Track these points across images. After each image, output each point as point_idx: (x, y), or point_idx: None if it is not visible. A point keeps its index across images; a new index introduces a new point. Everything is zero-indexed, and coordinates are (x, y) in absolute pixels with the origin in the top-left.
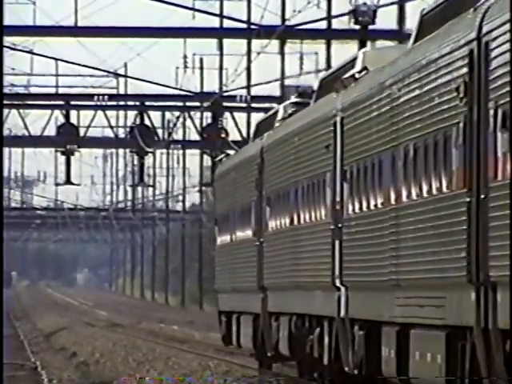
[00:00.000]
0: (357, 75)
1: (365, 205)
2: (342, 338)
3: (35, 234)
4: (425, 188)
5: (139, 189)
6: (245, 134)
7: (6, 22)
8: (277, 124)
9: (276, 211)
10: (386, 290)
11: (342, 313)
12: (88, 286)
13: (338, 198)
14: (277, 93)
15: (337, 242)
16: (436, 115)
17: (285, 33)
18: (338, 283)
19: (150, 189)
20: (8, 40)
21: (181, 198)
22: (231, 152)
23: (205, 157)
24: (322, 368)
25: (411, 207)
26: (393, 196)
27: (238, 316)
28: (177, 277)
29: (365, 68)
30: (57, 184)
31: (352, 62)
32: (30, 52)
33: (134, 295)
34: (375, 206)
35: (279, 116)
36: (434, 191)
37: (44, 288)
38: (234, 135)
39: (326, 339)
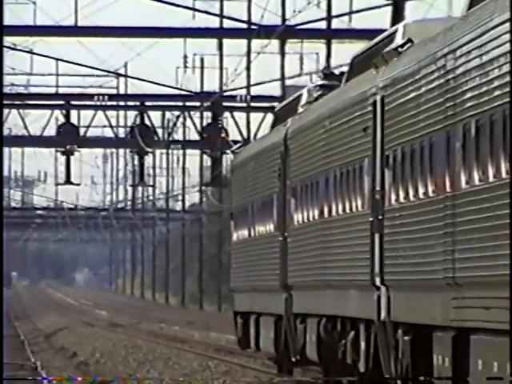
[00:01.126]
0: (399, 49)
1: (411, 193)
2: (382, 343)
3: (35, 233)
4: (490, 172)
5: (139, 189)
6: (245, 134)
7: (6, 21)
8: (301, 109)
9: (303, 203)
10: (439, 289)
11: (383, 315)
12: (88, 285)
13: (377, 187)
14: (277, 93)
15: (376, 236)
16: (504, 86)
17: (285, 33)
18: (377, 282)
19: (150, 189)
20: (8, 40)
21: (181, 197)
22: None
23: (205, 157)
24: (356, 375)
25: (472, 194)
26: (448, 182)
27: (256, 317)
28: (177, 277)
29: (409, 40)
30: (57, 184)
31: (389, 37)
32: (30, 52)
33: (134, 295)
34: (425, 194)
35: (303, 100)
36: (503, 174)
37: (44, 288)
38: (234, 135)
39: (363, 344)
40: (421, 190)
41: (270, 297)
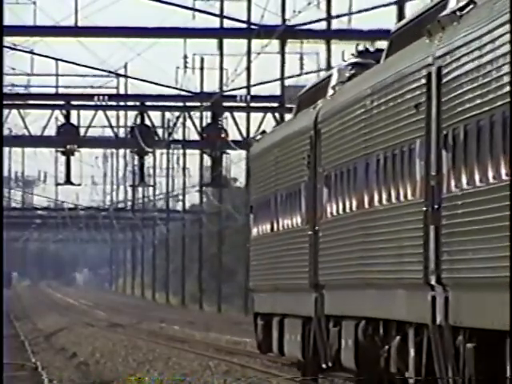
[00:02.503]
0: (458, 12)
1: (477, 178)
2: (438, 350)
3: (35, 233)
4: None
5: (139, 189)
6: (245, 134)
7: (7, 22)
8: (331, 90)
9: (337, 192)
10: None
11: (439, 319)
12: (88, 285)
13: (433, 172)
14: (277, 93)
15: (431, 228)
16: None
17: (285, 33)
18: (432, 281)
19: (151, 189)
20: (8, 40)
21: (181, 197)
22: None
23: (205, 157)
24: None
25: None
26: None
27: (280, 319)
28: (177, 277)
29: (471, 1)
30: (57, 184)
31: (442, 3)
32: (31, 52)
33: (135, 295)
34: (495, 177)
35: (333, 81)
36: None
37: (44, 288)
38: (234, 135)
39: (412, 351)
40: (490, 174)
41: (296, 297)
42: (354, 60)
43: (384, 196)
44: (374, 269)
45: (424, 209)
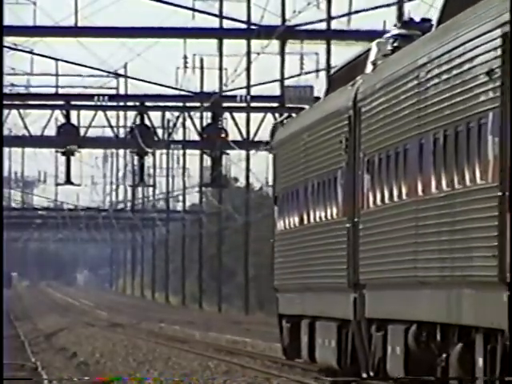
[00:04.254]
0: None
1: None
2: None
3: (35, 234)
4: None
5: (139, 189)
6: (245, 134)
7: (7, 22)
8: (371, 66)
9: (383, 179)
10: None
11: None
12: (88, 286)
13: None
14: (277, 93)
15: (508, 217)
16: None
17: (285, 33)
18: (508, 279)
19: (150, 189)
20: (8, 40)
21: (181, 197)
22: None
23: (205, 157)
24: None
25: None
26: None
27: (311, 322)
28: (177, 276)
29: None
30: (57, 184)
31: None
32: (31, 52)
33: (135, 295)
34: None
35: (372, 56)
36: None
37: (44, 288)
38: (234, 135)
39: (480, 361)
40: None
41: (331, 298)
42: (397, 31)
43: (444, 181)
44: (429, 265)
45: (499, 194)
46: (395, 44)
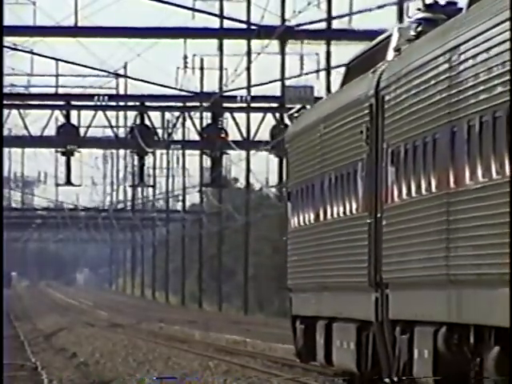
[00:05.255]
0: None
1: None
2: None
3: (35, 234)
4: None
5: (139, 189)
6: (245, 134)
7: (6, 22)
8: (393, 52)
9: (409, 171)
10: None
11: None
12: (88, 285)
13: None
14: (277, 93)
15: None
16: None
17: (285, 33)
18: None
19: (150, 189)
20: (8, 40)
21: (181, 197)
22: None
23: (204, 157)
24: None
25: None
26: None
27: (327, 323)
28: (177, 276)
29: None
30: (57, 184)
31: None
32: (31, 52)
33: (135, 295)
34: None
35: (394, 42)
36: None
37: (44, 288)
38: (234, 135)
39: None
40: None
41: (350, 298)
42: (421, 15)
43: (480, 172)
44: (463, 262)
45: None
46: (419, 28)
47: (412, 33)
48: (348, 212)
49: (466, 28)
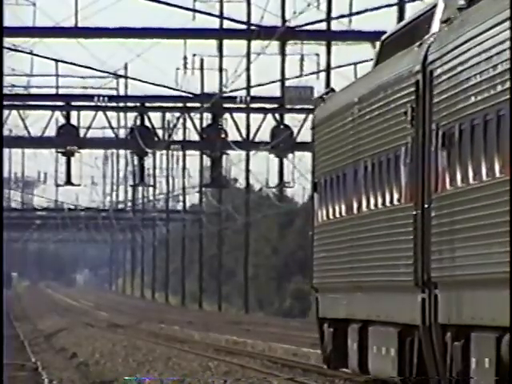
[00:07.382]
0: None
1: None
2: None
3: (35, 234)
4: None
5: (139, 189)
6: (245, 135)
7: (6, 22)
8: (439, 24)
9: (466, 155)
10: None
11: None
12: (88, 286)
13: None
14: (277, 94)
15: None
16: None
17: (285, 34)
18: None
19: (151, 189)
20: (8, 41)
21: (181, 198)
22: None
23: (204, 157)
24: None
25: None
26: None
27: (361, 327)
28: (177, 277)
29: None
30: (57, 185)
31: None
32: (30, 53)
33: (134, 295)
34: None
35: (440, 13)
36: None
37: (44, 288)
38: (234, 136)
39: None
40: None
41: (390, 299)
42: None
43: None
44: None
45: None
46: None
47: (462, 1)
48: (388, 203)
49: None
